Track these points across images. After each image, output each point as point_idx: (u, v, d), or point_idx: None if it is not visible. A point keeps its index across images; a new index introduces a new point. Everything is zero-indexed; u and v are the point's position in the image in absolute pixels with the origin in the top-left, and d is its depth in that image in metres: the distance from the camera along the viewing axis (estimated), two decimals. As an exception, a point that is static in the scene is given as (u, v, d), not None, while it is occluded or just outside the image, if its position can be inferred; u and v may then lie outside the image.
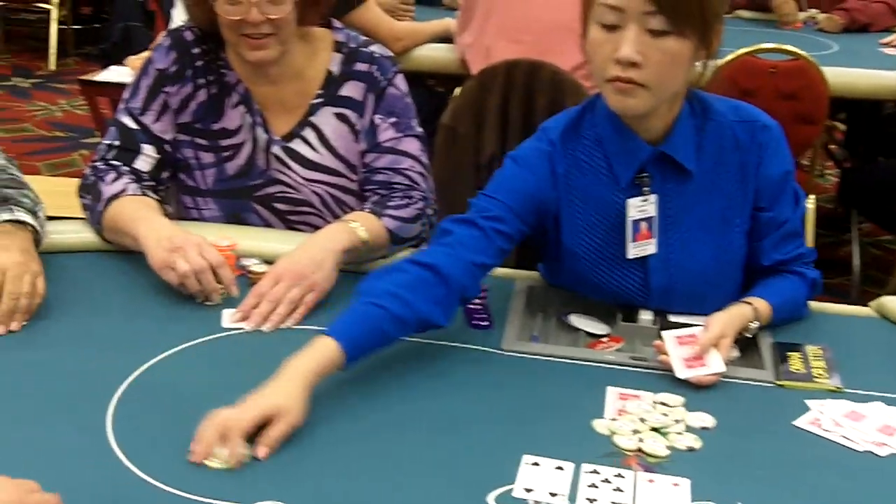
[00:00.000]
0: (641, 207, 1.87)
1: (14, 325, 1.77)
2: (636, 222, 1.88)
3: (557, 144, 1.90)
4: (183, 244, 1.89)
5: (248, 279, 1.96)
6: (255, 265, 2.00)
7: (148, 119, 2.14)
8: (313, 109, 2.19)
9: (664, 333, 1.79)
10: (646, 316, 1.93)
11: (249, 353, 1.75)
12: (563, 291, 2.00)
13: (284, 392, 1.52)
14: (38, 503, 1.25)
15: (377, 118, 2.19)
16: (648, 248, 1.89)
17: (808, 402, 1.69)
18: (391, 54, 2.26)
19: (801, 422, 1.63)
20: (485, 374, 1.74)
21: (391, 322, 1.67)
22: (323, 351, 1.60)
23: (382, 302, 1.67)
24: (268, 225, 2.22)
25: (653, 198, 1.87)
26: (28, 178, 2.12)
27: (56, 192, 2.72)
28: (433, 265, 1.74)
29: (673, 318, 1.93)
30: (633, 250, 1.89)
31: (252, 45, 2.06)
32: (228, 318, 1.85)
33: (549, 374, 1.75)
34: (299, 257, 1.90)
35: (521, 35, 3.44)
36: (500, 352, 1.81)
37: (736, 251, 1.93)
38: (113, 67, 3.89)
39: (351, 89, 2.19)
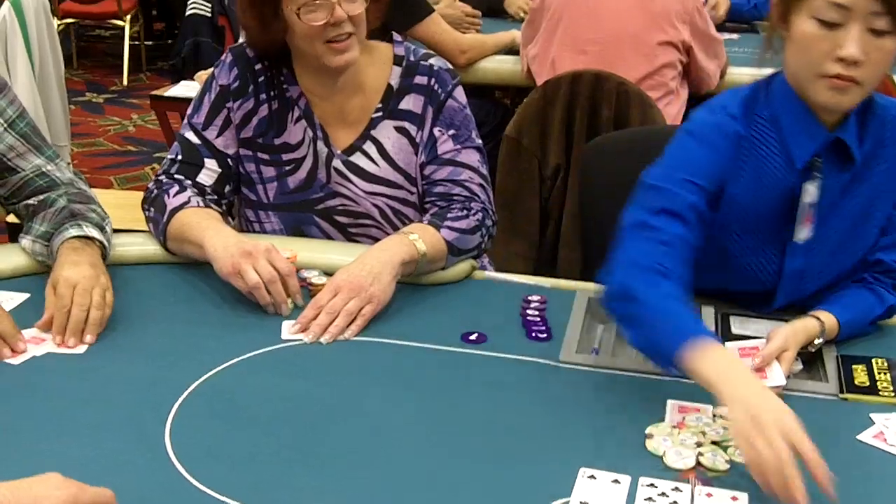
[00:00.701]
0: (813, 193, 1.86)
1: (88, 339, 1.79)
2: (808, 207, 1.86)
3: (739, 119, 1.88)
4: (253, 251, 1.91)
5: (307, 291, 1.98)
6: (314, 277, 2.02)
7: (211, 134, 2.17)
8: (374, 123, 2.20)
9: (727, 344, 1.77)
10: (708, 327, 1.90)
11: (308, 365, 1.77)
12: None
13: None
14: (93, 497, 1.26)
15: (436, 130, 2.20)
16: (808, 232, 1.88)
17: (873, 416, 1.65)
18: (450, 67, 2.27)
19: (866, 436, 1.60)
20: (543, 387, 1.73)
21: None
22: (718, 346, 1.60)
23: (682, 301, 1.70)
24: (328, 237, 2.23)
25: (819, 185, 1.86)
26: (97, 192, 2.17)
27: (125, 206, 2.79)
28: (671, 272, 1.73)
29: (736, 330, 1.91)
30: (801, 234, 1.88)
31: (337, 49, 2.08)
32: (287, 329, 1.86)
33: (608, 387, 1.74)
34: (358, 269, 1.92)
35: (586, 46, 3.43)
36: (558, 364, 1.80)
37: (868, 245, 1.92)
38: (183, 82, 3.95)
39: (410, 102, 2.20)
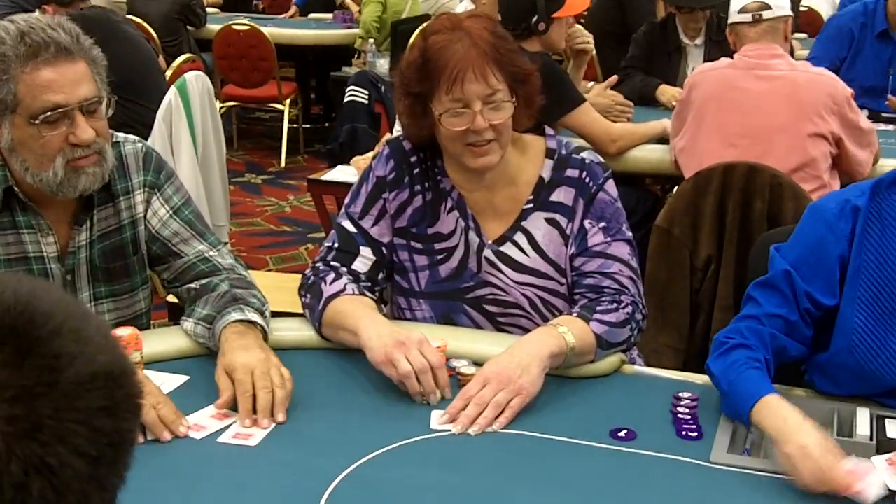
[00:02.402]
0: None
1: (280, 417, 1.85)
2: None
3: (866, 193, 1.92)
4: (406, 341, 1.95)
5: (457, 380, 2.00)
6: (464, 367, 2.04)
7: (367, 223, 2.24)
8: (525, 214, 2.23)
9: (874, 458, 1.72)
10: (862, 430, 1.85)
11: (456, 456, 1.78)
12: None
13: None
14: None
15: (587, 223, 2.21)
16: None
17: None
18: (602, 160, 2.29)
19: None
20: (693, 487, 1.71)
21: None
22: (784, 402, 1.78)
23: (757, 366, 1.86)
24: (478, 326, 2.26)
25: None
26: (254, 273, 2.25)
27: (282, 288, 2.87)
28: (748, 346, 1.90)
29: (892, 434, 1.85)
30: None
31: (476, 153, 2.13)
32: (437, 419, 1.89)
33: (760, 489, 1.70)
34: (507, 361, 1.93)
35: (735, 139, 3.42)
36: (709, 464, 1.77)
37: None
38: (339, 167, 4.06)
39: (562, 194, 2.23)
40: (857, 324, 1.90)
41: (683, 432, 1.88)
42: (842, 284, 1.93)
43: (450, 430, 1.86)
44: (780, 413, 1.76)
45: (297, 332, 2.19)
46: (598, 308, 2.12)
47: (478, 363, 2.01)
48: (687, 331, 3.35)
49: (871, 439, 1.84)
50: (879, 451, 1.75)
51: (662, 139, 3.89)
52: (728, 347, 1.92)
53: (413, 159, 2.25)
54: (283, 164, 7.21)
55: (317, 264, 2.24)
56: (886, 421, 1.90)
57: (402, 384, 1.94)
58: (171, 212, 2.15)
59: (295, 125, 7.57)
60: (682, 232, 3.25)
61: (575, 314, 2.10)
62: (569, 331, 2.02)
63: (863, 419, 1.91)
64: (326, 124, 7.89)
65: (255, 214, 6.17)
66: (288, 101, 7.22)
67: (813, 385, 2.05)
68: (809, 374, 2.06)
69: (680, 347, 3.38)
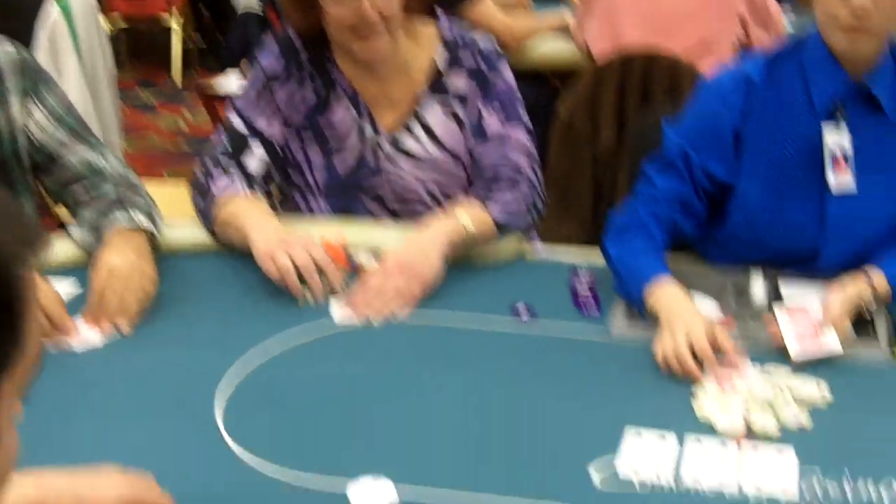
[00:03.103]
0: (837, 138, 1.88)
1: (124, 329, 1.81)
2: (833, 153, 1.88)
3: (760, 66, 1.93)
4: (290, 239, 1.93)
5: (357, 274, 1.99)
6: (364, 259, 2.03)
7: (256, 119, 2.19)
8: (420, 103, 2.21)
9: (776, 310, 1.76)
10: (757, 293, 1.90)
11: (358, 346, 1.79)
12: (677, 271, 1.98)
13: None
14: (155, 501, 1.29)
15: (483, 109, 2.20)
16: (847, 182, 1.88)
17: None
18: (496, 46, 2.26)
19: (918, 397, 1.60)
20: (592, 358, 1.75)
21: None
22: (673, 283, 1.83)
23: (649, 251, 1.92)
24: (377, 219, 2.25)
25: (847, 132, 1.87)
26: (150, 184, 2.18)
27: (179, 198, 2.80)
28: (646, 227, 1.94)
29: (785, 292, 1.90)
30: (834, 181, 1.89)
31: (365, 42, 2.09)
32: (338, 312, 1.88)
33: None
34: (406, 250, 1.93)
35: (641, 21, 3.38)
36: (608, 337, 1.81)
37: None
38: (230, 71, 3.97)
39: (457, 82, 2.21)
40: (752, 196, 1.93)
41: (583, 309, 1.90)
42: (738, 159, 1.95)
43: (352, 321, 1.86)
44: (672, 295, 1.80)
45: (189, 235, 2.14)
46: (497, 193, 2.12)
47: (378, 255, 2.01)
48: (590, 222, 3.38)
49: (766, 301, 1.89)
50: (774, 313, 1.80)
51: (562, 32, 3.86)
52: (624, 228, 1.94)
53: (302, 52, 2.21)
54: (175, 80, 7.04)
55: (206, 163, 2.19)
56: (779, 279, 1.94)
57: (284, 282, 1.90)
58: (52, 118, 2.07)
59: (186, 40, 7.38)
60: (582, 124, 3.25)
61: (474, 200, 2.10)
62: (468, 217, 2.02)
63: (756, 279, 1.95)
64: (220, 36, 7.71)
65: (150, 133, 6.04)
66: (176, 13, 7.02)
67: (708, 256, 2.08)
68: (705, 246, 2.09)
69: (582, 238, 3.41)
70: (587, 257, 2.10)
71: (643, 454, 1.43)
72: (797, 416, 1.53)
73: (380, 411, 1.58)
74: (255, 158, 2.17)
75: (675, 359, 1.67)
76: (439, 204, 2.23)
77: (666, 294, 1.81)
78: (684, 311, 1.76)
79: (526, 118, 2.23)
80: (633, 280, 1.86)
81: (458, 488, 1.38)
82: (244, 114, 2.19)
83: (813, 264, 1.94)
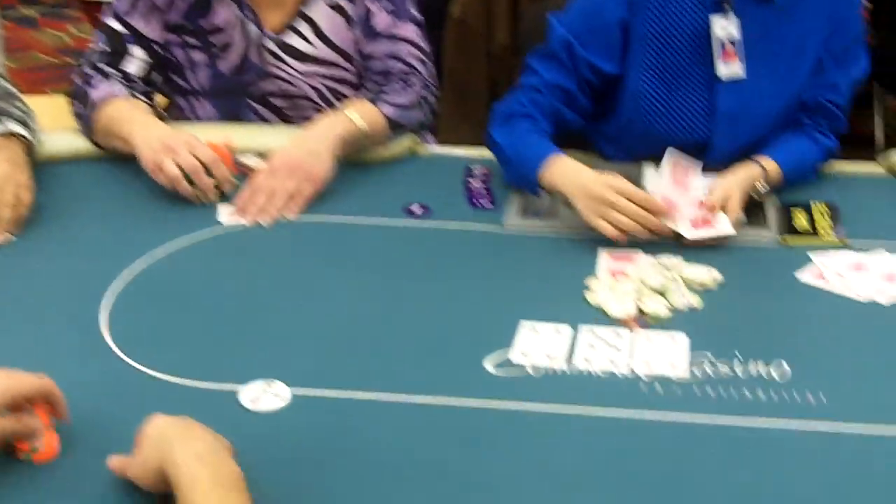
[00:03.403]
0: (725, 26, 1.86)
1: None
2: (722, 42, 1.87)
3: None
4: (173, 144, 1.87)
5: (245, 175, 1.95)
6: (251, 160, 1.99)
7: (135, 20, 2.10)
8: (305, 2, 2.14)
9: (665, 160, 1.79)
10: (650, 184, 1.90)
11: (248, 247, 1.75)
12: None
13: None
14: (31, 386, 1.24)
15: (371, 5, 2.14)
16: (736, 69, 1.88)
17: (813, 257, 1.67)
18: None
19: (805, 276, 1.62)
20: (487, 252, 1.73)
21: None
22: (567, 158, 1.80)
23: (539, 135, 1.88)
24: (266, 123, 2.20)
25: (735, 20, 1.86)
26: (31, 101, 2.09)
27: (60, 109, 2.71)
28: (530, 116, 1.91)
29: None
30: (724, 69, 1.88)
31: None
32: (226, 214, 1.84)
33: (550, 247, 1.74)
34: (295, 149, 1.89)
35: None
36: (502, 230, 1.80)
37: (800, 86, 1.92)
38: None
39: (343, -23, 2.14)
40: (643, 88, 1.92)
41: (477, 202, 1.89)
42: (625, 51, 1.93)
43: (240, 224, 1.82)
44: (569, 167, 1.79)
45: (70, 142, 2.06)
46: (388, 90, 2.08)
47: (266, 157, 1.96)
48: (487, 122, 3.36)
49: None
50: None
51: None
52: (510, 116, 1.92)
53: (180, -53, 2.12)
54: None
55: (83, 68, 2.10)
56: (671, 175, 1.95)
57: (175, 188, 1.86)
58: None
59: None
60: (476, 21, 3.21)
61: (364, 98, 2.06)
62: (358, 114, 1.98)
63: (649, 174, 1.95)
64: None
65: (33, 49, 5.84)
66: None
67: (602, 152, 2.08)
68: (597, 143, 2.08)
69: (481, 138, 3.38)
70: (482, 153, 2.08)
71: (538, 345, 1.43)
72: (687, 298, 1.54)
73: (271, 313, 1.55)
74: (135, 61, 2.10)
75: (631, 218, 1.68)
76: (330, 105, 2.18)
77: (561, 168, 1.79)
78: (587, 177, 1.75)
79: (415, 11, 2.18)
80: (524, 164, 1.85)
81: (354, 388, 1.36)
82: (122, 16, 2.11)
83: (705, 156, 1.94)
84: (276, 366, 1.40)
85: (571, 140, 2.04)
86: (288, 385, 1.35)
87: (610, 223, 1.69)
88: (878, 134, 4.04)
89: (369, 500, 1.15)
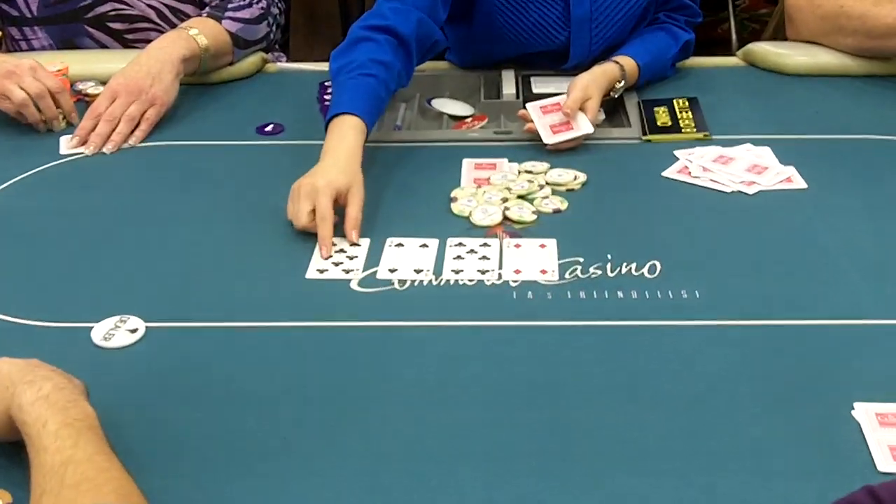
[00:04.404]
0: None
1: None
2: None
3: None
4: (16, 69, 1.76)
5: (84, 103, 1.84)
6: (90, 87, 1.89)
7: (-48, -56, 1.96)
8: (137, -85, 2.02)
9: (528, 105, 1.72)
10: (508, 90, 1.87)
11: (92, 178, 1.65)
12: (425, 77, 1.92)
13: (349, 171, 1.47)
14: None
15: (207, -84, 2.03)
16: None
17: (677, 153, 1.65)
18: None
19: (670, 172, 1.60)
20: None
21: (384, 88, 1.63)
22: (356, 128, 1.54)
23: (371, 71, 1.62)
24: (104, 48, 2.07)
25: None
26: None
27: None
28: (391, 27, 1.68)
29: (537, 90, 1.87)
30: None
31: None
32: (66, 144, 1.73)
33: (412, 160, 1.68)
34: (135, 71, 1.78)
35: None
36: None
37: None
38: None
39: None
40: None
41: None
42: None
43: (82, 153, 1.71)
44: (341, 134, 1.55)
45: None
46: (230, 6, 1.98)
47: (106, 83, 1.84)
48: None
49: (518, 97, 1.86)
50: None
51: None
52: (358, 39, 1.72)
53: None
54: None
55: None
56: (532, 79, 1.92)
57: (20, 115, 1.76)
58: None
59: None
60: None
61: (205, 15, 1.95)
62: (200, 32, 1.88)
63: (508, 79, 1.92)
64: None
65: None
66: None
67: (462, 61, 2.03)
68: (459, 51, 2.02)
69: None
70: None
71: (404, 260, 1.37)
72: (553, 202, 1.50)
73: (121, 245, 1.45)
74: (-43, -11, 1.95)
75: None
76: (172, 26, 2.04)
77: (332, 135, 1.56)
78: (322, 164, 1.50)
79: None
80: (333, 102, 1.63)
81: (214, 319, 1.27)
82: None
83: (563, 63, 1.91)
84: (129, 300, 1.31)
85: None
86: (143, 319, 1.27)
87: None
88: (733, 35, 4.08)
89: (232, 431, 1.08)
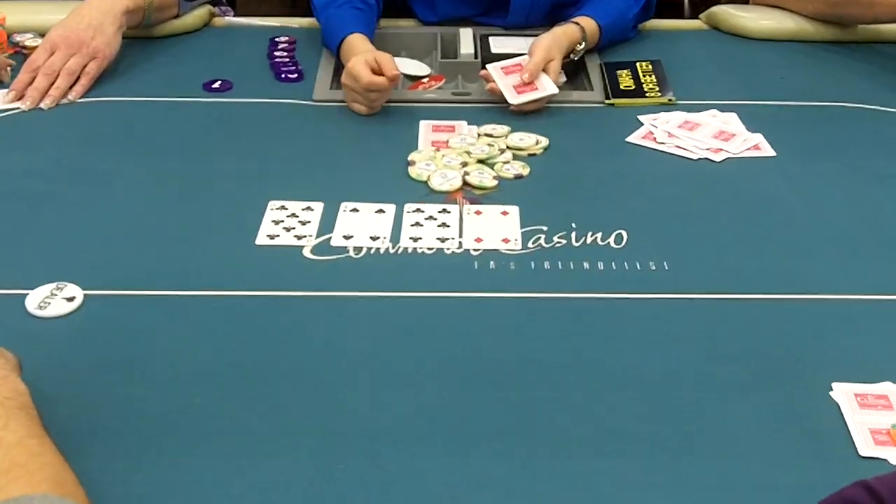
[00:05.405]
0: None
1: None
2: None
3: None
4: None
5: (22, 56, 1.75)
6: (29, 40, 1.81)
7: None
8: None
9: (489, 66, 1.66)
10: (466, 50, 1.80)
11: (29, 134, 1.56)
12: (380, 35, 1.85)
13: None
14: None
15: None
16: None
17: (641, 118, 1.60)
18: None
19: (635, 137, 1.54)
20: (296, 126, 1.60)
21: (372, 15, 1.79)
22: (365, 41, 1.68)
23: (358, 5, 1.76)
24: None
25: None
26: None
27: None
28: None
29: (496, 50, 1.81)
30: None
31: None
32: (2, 98, 1.64)
33: (367, 120, 1.61)
34: (75, 23, 1.70)
35: None
36: (311, 103, 1.66)
37: None
38: None
39: None
40: None
41: (282, 75, 1.75)
42: None
43: (19, 108, 1.62)
44: (348, 50, 1.67)
45: None
46: (177, -43, 1.89)
47: (45, 35, 1.75)
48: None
49: (476, 57, 1.80)
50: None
51: None
52: None
53: None
54: None
55: None
56: (490, 38, 1.86)
57: None
58: None
59: None
60: None
61: (150, -32, 1.86)
62: (144, -17, 1.79)
63: (467, 39, 1.86)
64: None
65: None
66: None
67: (415, 16, 1.96)
68: (412, 5, 1.96)
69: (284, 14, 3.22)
70: (286, 23, 1.92)
71: (359, 227, 1.31)
72: (514, 168, 1.44)
73: (58, 208, 1.36)
74: None
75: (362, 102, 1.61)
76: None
77: (345, 50, 1.68)
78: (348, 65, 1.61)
79: None
80: (329, 37, 1.75)
81: (157, 287, 1.20)
82: None
83: (506, 13, 1.88)
84: (66, 266, 1.23)
85: (394, 7, 1.95)
86: (81, 287, 1.19)
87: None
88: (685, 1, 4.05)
89: (177, 409, 1.01)
